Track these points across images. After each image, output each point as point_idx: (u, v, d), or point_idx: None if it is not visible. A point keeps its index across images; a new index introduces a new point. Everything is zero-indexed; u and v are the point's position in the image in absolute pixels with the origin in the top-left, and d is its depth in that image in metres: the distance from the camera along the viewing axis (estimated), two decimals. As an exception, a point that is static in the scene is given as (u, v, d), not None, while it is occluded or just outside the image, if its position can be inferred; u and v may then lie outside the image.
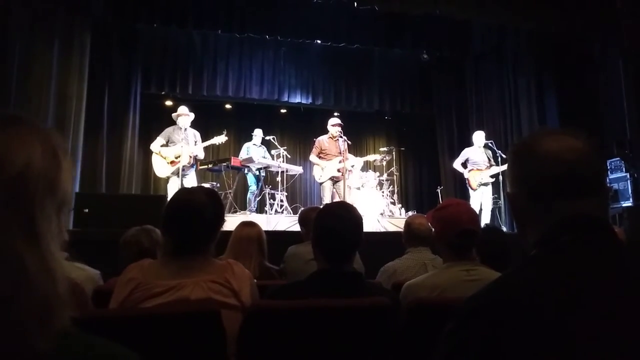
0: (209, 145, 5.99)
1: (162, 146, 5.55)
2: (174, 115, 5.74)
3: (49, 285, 0.48)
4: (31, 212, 0.49)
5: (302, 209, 3.45)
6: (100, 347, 0.52)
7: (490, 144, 6.24)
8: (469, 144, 6.62)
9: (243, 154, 6.64)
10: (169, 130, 5.64)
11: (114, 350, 0.53)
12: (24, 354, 0.46)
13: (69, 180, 0.55)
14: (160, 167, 5.52)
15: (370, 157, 6.85)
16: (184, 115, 5.63)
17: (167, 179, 5.62)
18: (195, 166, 5.74)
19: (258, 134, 6.86)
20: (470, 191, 6.21)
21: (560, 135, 0.77)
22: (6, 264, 0.46)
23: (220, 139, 5.81)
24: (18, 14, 5.07)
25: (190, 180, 5.59)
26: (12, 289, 0.46)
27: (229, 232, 2.44)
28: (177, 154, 5.47)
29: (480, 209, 6.09)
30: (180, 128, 5.56)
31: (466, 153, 6.25)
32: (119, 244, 2.14)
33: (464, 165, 6.22)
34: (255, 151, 6.63)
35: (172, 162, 5.47)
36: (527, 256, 0.73)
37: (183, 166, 5.41)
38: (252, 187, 6.62)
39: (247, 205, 6.61)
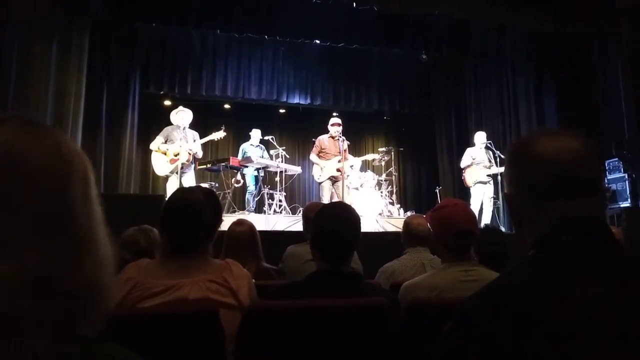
0: (208, 143, 5.99)
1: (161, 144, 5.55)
2: (172, 113, 5.73)
3: (107, 274, 0.52)
4: (92, 199, 0.54)
5: (307, 203, 3.41)
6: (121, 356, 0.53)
7: (489, 144, 6.25)
8: (468, 143, 6.63)
9: (240, 156, 6.64)
10: (168, 129, 5.64)
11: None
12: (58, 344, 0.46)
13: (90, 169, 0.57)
14: (160, 165, 5.52)
15: (369, 157, 6.86)
16: (181, 111, 5.63)
17: (165, 178, 5.62)
18: (194, 165, 5.74)
19: (255, 134, 6.86)
20: (471, 190, 6.22)
21: (557, 135, 0.77)
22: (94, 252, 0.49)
23: (218, 135, 5.81)
24: (17, 13, 5.06)
25: (189, 179, 5.58)
26: (61, 271, 0.47)
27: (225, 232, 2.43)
28: (176, 151, 5.46)
29: (481, 209, 6.11)
30: (179, 127, 5.56)
31: (470, 153, 6.27)
32: (117, 244, 2.13)
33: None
34: (252, 151, 6.62)
35: (171, 160, 5.47)
36: (525, 257, 0.73)
37: (182, 164, 5.40)
38: (251, 187, 6.61)
39: (246, 205, 6.61)
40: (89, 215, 0.52)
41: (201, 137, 5.78)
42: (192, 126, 5.80)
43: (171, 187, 5.45)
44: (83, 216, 0.51)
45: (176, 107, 5.85)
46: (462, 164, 6.32)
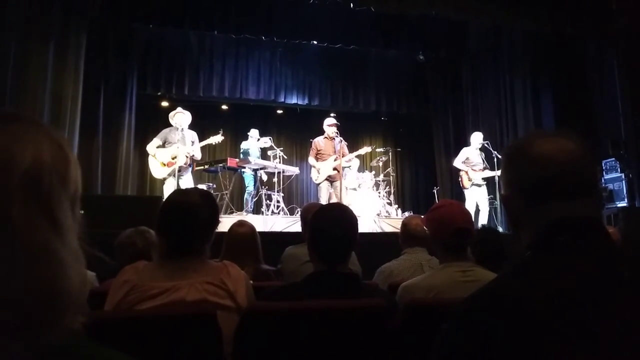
0: (206, 145, 5.99)
1: (158, 147, 5.53)
2: (170, 114, 5.72)
3: (72, 280, 0.48)
4: (50, 206, 0.49)
5: (305, 204, 3.41)
6: (107, 355, 0.52)
7: (486, 145, 6.27)
8: (465, 144, 6.64)
9: (243, 147, 6.67)
10: (165, 131, 5.62)
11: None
12: (29, 349, 0.45)
13: (79, 173, 0.55)
14: (156, 168, 5.51)
15: (362, 151, 6.80)
16: (179, 113, 5.62)
17: (163, 180, 5.61)
18: (191, 167, 5.73)
19: (254, 134, 6.87)
20: (465, 191, 6.24)
21: (553, 137, 0.77)
22: (41, 258, 0.46)
23: (216, 139, 5.81)
24: (13, 14, 5.05)
25: (187, 181, 5.57)
26: (44, 283, 0.46)
27: (224, 233, 2.43)
28: (173, 154, 5.45)
29: (478, 210, 6.12)
30: (177, 129, 5.54)
31: (465, 153, 6.28)
32: (114, 246, 2.13)
33: (464, 163, 6.27)
34: (254, 147, 6.66)
35: (168, 163, 5.45)
36: (522, 258, 0.73)
37: (179, 167, 5.39)
38: (250, 187, 6.61)
39: (244, 205, 6.60)
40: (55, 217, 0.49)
41: (199, 138, 5.78)
42: (190, 127, 5.79)
43: (168, 190, 5.44)
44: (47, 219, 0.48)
45: (174, 108, 5.84)
46: (455, 163, 6.34)
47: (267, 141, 6.81)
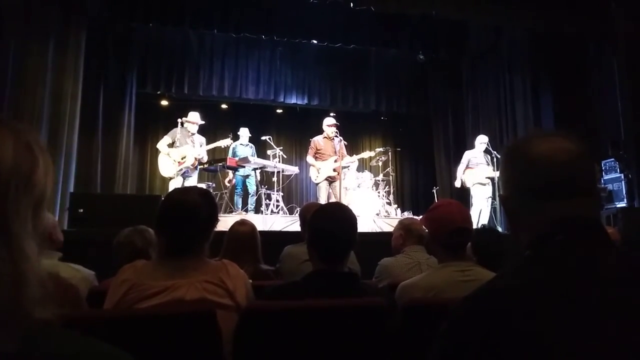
0: (214, 148, 6.09)
1: (168, 146, 5.63)
2: (183, 119, 5.75)
3: (16, 287, 0.47)
4: (3, 210, 0.47)
5: (305, 204, 3.41)
6: (90, 346, 0.51)
7: (486, 145, 6.28)
8: (465, 143, 6.64)
9: (229, 155, 6.64)
10: (176, 130, 5.68)
11: (104, 350, 0.52)
12: None
13: (48, 176, 0.53)
14: (167, 167, 5.60)
15: (365, 154, 6.84)
16: (194, 124, 5.71)
17: (167, 180, 5.71)
18: (197, 169, 5.82)
19: (244, 133, 6.82)
20: (472, 192, 6.23)
21: (552, 137, 0.77)
22: None
23: (225, 142, 5.95)
24: (13, 12, 5.04)
25: (192, 183, 5.66)
26: None
27: (223, 232, 2.43)
28: (182, 154, 5.55)
29: (480, 210, 6.13)
30: (188, 131, 5.65)
31: (467, 156, 6.29)
32: (112, 245, 2.13)
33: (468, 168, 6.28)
34: (242, 151, 6.62)
35: (178, 163, 5.57)
36: (521, 257, 0.73)
37: (187, 168, 5.48)
38: (239, 189, 6.60)
39: (235, 206, 6.55)
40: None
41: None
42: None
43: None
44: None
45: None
46: (459, 170, 6.35)
47: (253, 147, 6.78)
